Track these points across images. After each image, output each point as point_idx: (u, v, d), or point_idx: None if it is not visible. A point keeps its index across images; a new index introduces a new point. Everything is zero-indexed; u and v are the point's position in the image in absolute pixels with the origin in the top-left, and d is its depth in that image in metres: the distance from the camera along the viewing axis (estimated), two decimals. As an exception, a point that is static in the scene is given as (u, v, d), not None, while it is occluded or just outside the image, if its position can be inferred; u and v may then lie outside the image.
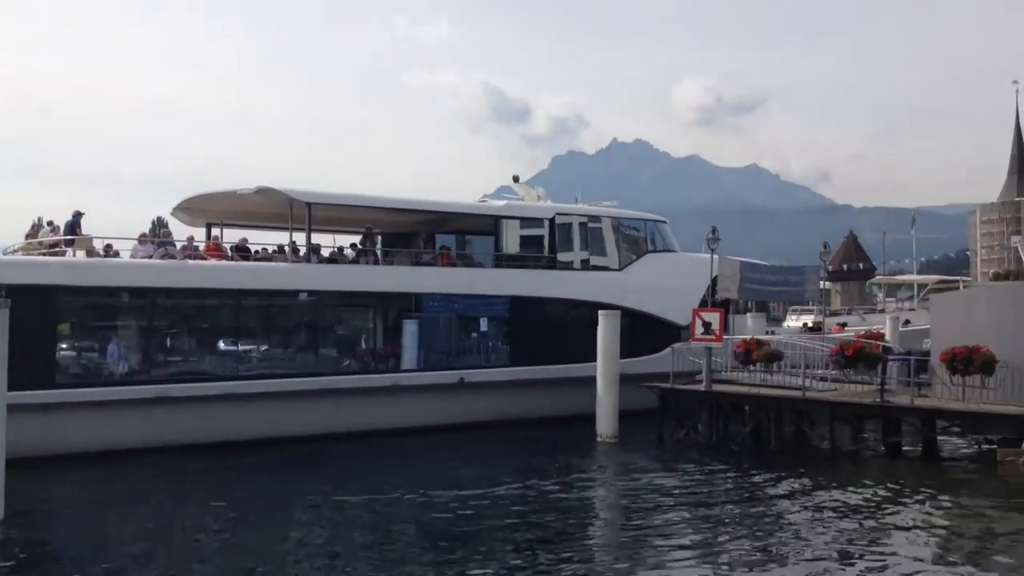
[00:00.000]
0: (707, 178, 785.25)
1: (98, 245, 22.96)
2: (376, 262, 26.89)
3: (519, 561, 12.77)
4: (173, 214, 27.82)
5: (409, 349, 25.80)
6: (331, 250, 26.69)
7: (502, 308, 27.14)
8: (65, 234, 22.97)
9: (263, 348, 24.70)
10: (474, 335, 27.26)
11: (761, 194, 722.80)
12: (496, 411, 25.93)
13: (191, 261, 23.59)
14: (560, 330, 27.58)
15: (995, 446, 19.68)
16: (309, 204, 24.54)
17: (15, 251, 23.54)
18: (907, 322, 42.70)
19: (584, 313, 27.39)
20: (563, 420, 26.01)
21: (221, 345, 23.88)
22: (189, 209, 27.27)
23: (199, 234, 27.40)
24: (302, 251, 24.98)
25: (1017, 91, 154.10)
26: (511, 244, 29.06)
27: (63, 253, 22.59)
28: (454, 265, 27.91)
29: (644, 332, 26.83)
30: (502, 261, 28.32)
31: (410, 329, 25.91)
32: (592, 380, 24.91)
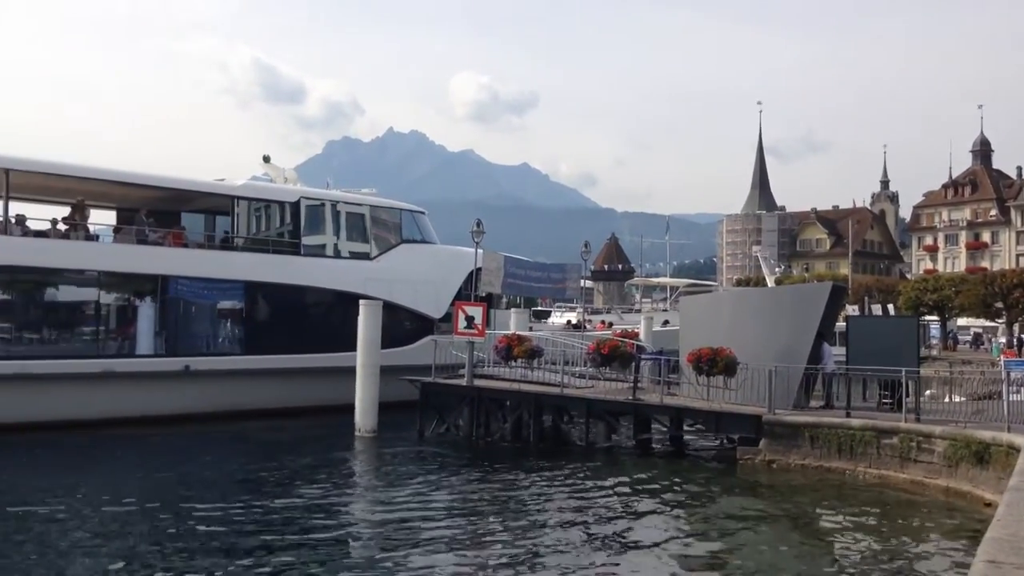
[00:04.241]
0: (482, 173, 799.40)
1: None
2: (88, 238, 24.84)
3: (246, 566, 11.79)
4: None
5: (124, 334, 24.41)
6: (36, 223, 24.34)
7: (235, 294, 25.79)
8: None
9: None
10: (204, 321, 25.85)
11: (532, 192, 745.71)
12: (225, 402, 24.66)
13: None
14: (301, 318, 26.63)
15: (735, 444, 20.69)
16: (7, 171, 22.47)
17: None
18: (666, 322, 44.92)
19: (328, 301, 26.81)
20: (301, 412, 25.33)
21: None
22: None
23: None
24: (17, 223, 23.06)
25: (760, 111, 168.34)
26: (249, 226, 27.76)
27: None
28: (186, 246, 26.26)
29: (395, 323, 26.24)
30: (237, 244, 27.02)
31: (127, 313, 24.56)
32: (333, 371, 24.67)
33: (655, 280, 79.51)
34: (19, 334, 23.05)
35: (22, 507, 14.71)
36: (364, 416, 23.36)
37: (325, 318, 27.16)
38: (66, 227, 24.48)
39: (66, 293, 24.18)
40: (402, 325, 27.68)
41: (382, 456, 21.17)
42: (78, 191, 25.08)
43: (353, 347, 24.02)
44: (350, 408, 23.71)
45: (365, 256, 28.94)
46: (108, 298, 24.71)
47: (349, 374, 23.99)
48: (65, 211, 25.27)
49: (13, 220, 23.31)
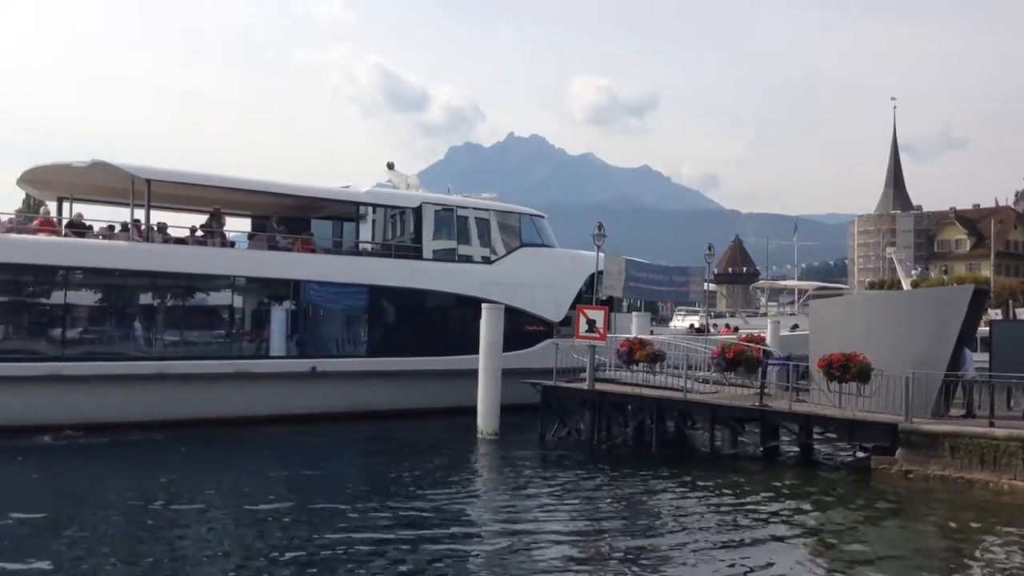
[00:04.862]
0: (601, 176, 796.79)
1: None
2: (223, 244, 25.88)
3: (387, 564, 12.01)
4: (18, 184, 26.40)
5: (261, 336, 25.39)
6: (173, 231, 25.59)
7: (360, 298, 26.41)
8: None
9: (94, 328, 23.74)
10: (331, 324, 26.58)
11: (653, 195, 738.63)
12: (350, 403, 25.29)
13: (12, 235, 22.73)
14: (422, 322, 27.16)
15: (869, 453, 19.90)
16: (148, 181, 23.50)
17: None
18: (795, 326, 43.64)
19: (449, 305, 27.34)
20: (421, 413, 25.73)
21: (44, 324, 22.92)
22: (33, 181, 26.18)
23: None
24: (158, 230, 24.20)
25: (895, 107, 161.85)
26: (373, 232, 28.44)
27: None
28: (313, 251, 27.06)
29: (515, 327, 26.25)
30: (361, 249, 27.80)
31: (262, 316, 25.53)
32: (453, 374, 25.13)
33: (782, 283, 77.41)
34: (160, 336, 24.15)
35: (167, 505, 15.38)
36: (486, 419, 23.51)
37: (446, 322, 27.55)
38: (203, 234, 25.60)
39: (205, 297, 25.25)
40: (521, 329, 27.72)
41: (505, 459, 21.24)
42: (214, 200, 26.18)
43: (472, 350, 24.26)
44: (469, 410, 23.93)
45: (485, 260, 29.18)
46: (246, 302, 25.77)
47: (469, 377, 24.25)
48: (201, 219, 26.50)
49: (155, 228, 24.47)
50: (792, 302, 64.30)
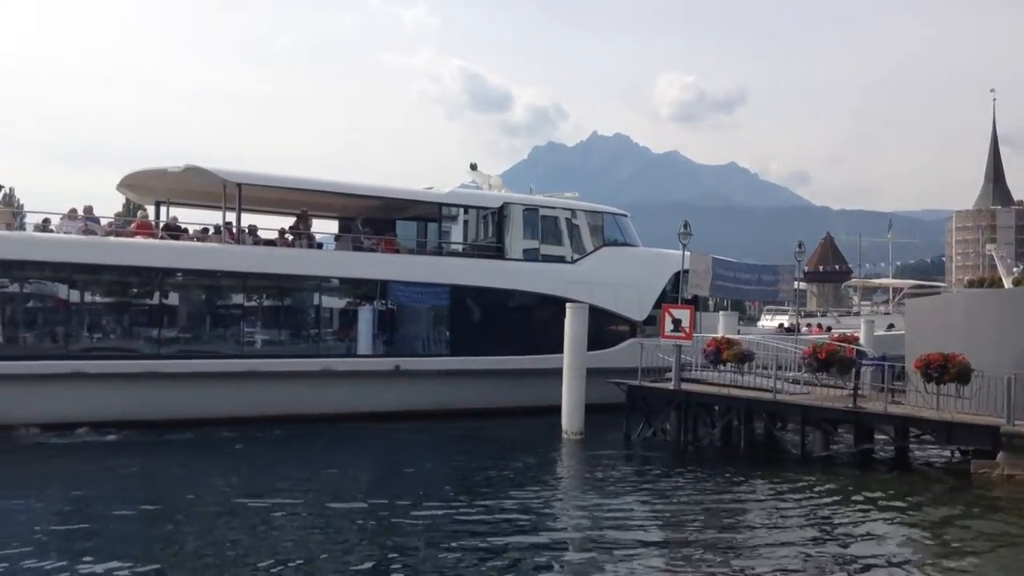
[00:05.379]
0: (686, 174, 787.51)
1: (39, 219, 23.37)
2: (310, 246, 26.39)
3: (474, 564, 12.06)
4: (119, 190, 27.41)
5: (348, 335, 25.84)
6: (261, 232, 26.20)
7: (443, 297, 26.61)
8: None
9: (188, 327, 24.40)
10: (415, 324, 26.84)
11: (740, 192, 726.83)
12: (432, 401, 25.54)
13: (112, 238, 23.55)
14: (504, 321, 27.28)
15: (969, 457, 19.17)
16: (239, 184, 24.10)
17: None
18: (891, 326, 42.35)
19: (530, 304, 27.50)
20: (502, 412, 25.70)
21: (141, 323, 23.72)
22: (132, 186, 27.02)
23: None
24: (249, 232, 24.94)
25: (994, 100, 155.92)
26: (465, 232, 28.75)
27: None
28: (397, 252, 27.41)
29: (596, 326, 25.98)
30: (443, 249, 28.04)
31: (349, 315, 26.02)
32: (534, 373, 25.38)
33: (876, 281, 75.30)
34: (250, 335, 24.75)
35: (261, 499, 15.74)
36: (571, 418, 23.43)
37: (527, 321, 27.58)
38: (292, 236, 26.18)
39: (295, 297, 25.82)
40: (603, 328, 27.55)
41: (590, 459, 21.12)
42: (302, 202, 26.72)
43: (553, 350, 24.30)
44: (550, 410, 23.94)
45: (568, 259, 29.12)
46: (333, 302, 26.24)
47: (549, 376, 24.29)
48: (289, 221, 27.09)
49: (246, 230, 25.11)
50: (886, 301, 62.50)
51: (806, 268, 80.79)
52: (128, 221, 26.11)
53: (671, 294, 28.64)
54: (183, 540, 13.08)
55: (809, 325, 42.84)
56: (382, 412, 24.60)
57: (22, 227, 24.10)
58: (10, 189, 23.75)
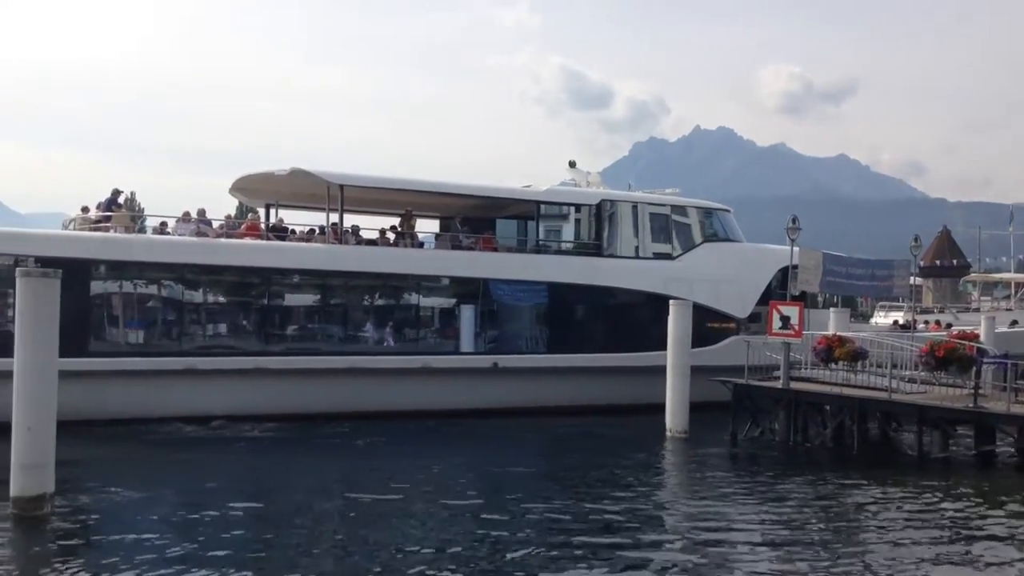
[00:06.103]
0: (793, 167, 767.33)
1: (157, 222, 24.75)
2: (414, 245, 26.74)
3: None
4: (231, 193, 28.39)
5: (449, 333, 26.15)
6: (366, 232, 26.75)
7: (541, 295, 26.64)
8: (104, 211, 23.96)
9: (293, 325, 25.03)
10: (513, 321, 26.94)
11: (850, 185, 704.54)
12: (530, 398, 25.52)
13: (223, 239, 24.39)
14: (602, 318, 27.26)
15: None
16: (342, 186, 24.60)
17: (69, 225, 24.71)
18: (1015, 322, 40.43)
19: (629, 301, 27.31)
20: (600, 410, 25.52)
21: (250, 321, 24.34)
22: (243, 190, 27.97)
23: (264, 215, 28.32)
24: (352, 233, 25.61)
25: None
26: (567, 230, 28.82)
27: (107, 229, 23.45)
28: (495, 250, 27.53)
29: (698, 323, 25.37)
30: (540, 247, 28.01)
31: (450, 313, 26.30)
32: (633, 370, 25.27)
33: (996, 276, 71.92)
34: (353, 333, 25.25)
35: (366, 494, 16.01)
36: (675, 416, 23.10)
37: (626, 318, 27.40)
38: (394, 235, 26.55)
39: (398, 296, 26.19)
40: (705, 325, 27.01)
41: (697, 458, 20.78)
42: (405, 203, 27.11)
43: (653, 347, 24.18)
44: (650, 408, 23.72)
45: (667, 256, 28.75)
46: (435, 300, 26.55)
47: (648, 373, 24.09)
48: (390, 221, 27.55)
49: (349, 231, 25.64)
50: (1008, 296, 59.60)
51: (922, 263, 77.86)
52: (238, 223, 26.97)
53: (777, 291, 27.95)
54: (295, 534, 13.44)
55: (927, 322, 41.09)
56: (480, 409, 24.78)
57: (143, 230, 25.17)
58: (131, 193, 24.86)
